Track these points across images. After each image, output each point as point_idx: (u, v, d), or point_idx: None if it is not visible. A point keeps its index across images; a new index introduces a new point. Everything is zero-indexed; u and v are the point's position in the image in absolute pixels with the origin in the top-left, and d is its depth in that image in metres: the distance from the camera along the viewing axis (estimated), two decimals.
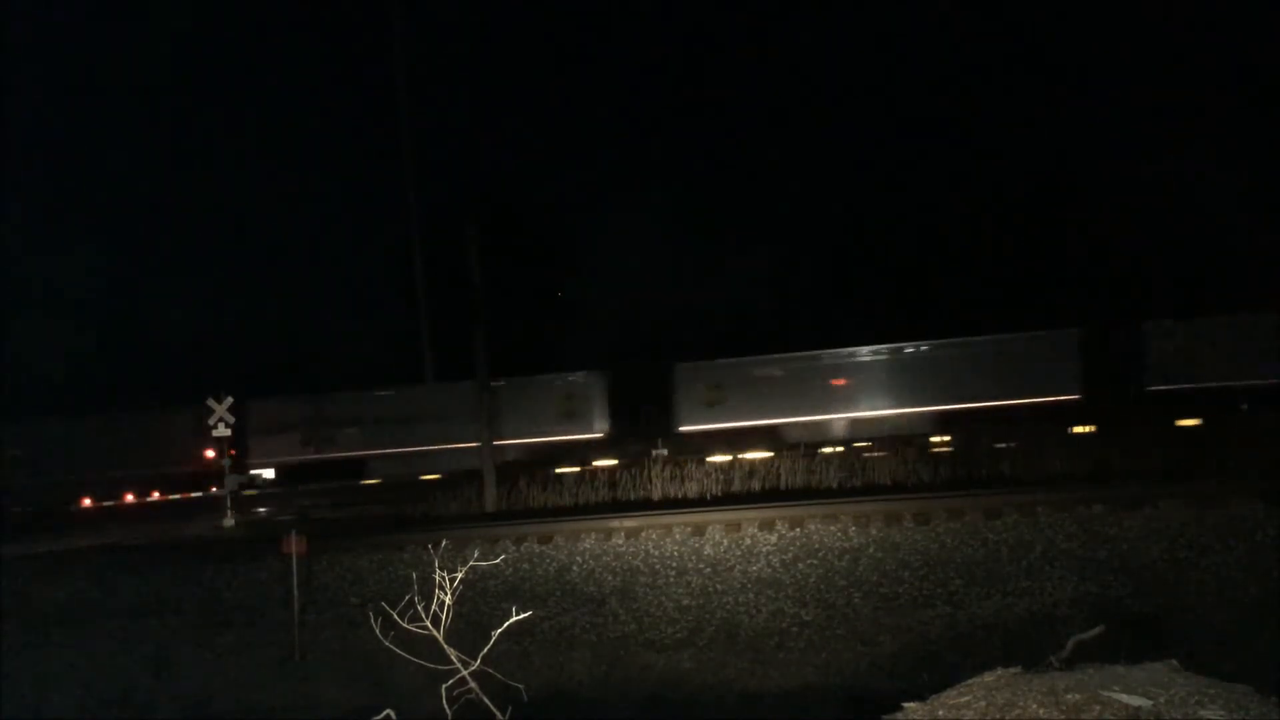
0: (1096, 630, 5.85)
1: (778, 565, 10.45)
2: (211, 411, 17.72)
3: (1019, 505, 11.02)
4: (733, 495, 15.29)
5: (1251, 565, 9.34)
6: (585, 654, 9.51)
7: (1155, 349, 20.25)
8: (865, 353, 21.62)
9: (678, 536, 11.34)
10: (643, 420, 21.92)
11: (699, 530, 11.47)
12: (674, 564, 10.78)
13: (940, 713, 4.46)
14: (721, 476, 16.06)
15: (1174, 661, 4.81)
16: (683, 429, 21.81)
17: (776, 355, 22.06)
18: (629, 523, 12.06)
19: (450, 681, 5.22)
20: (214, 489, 18.71)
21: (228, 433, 17.83)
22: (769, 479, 15.89)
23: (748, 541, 10.97)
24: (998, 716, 4.19)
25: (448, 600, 5.34)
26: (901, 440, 19.19)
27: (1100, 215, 28.45)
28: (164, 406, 23.85)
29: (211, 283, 35.16)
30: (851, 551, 10.50)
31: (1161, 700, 4.12)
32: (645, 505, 14.91)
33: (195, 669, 10.17)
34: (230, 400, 17.82)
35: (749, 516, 11.81)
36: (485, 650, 5.28)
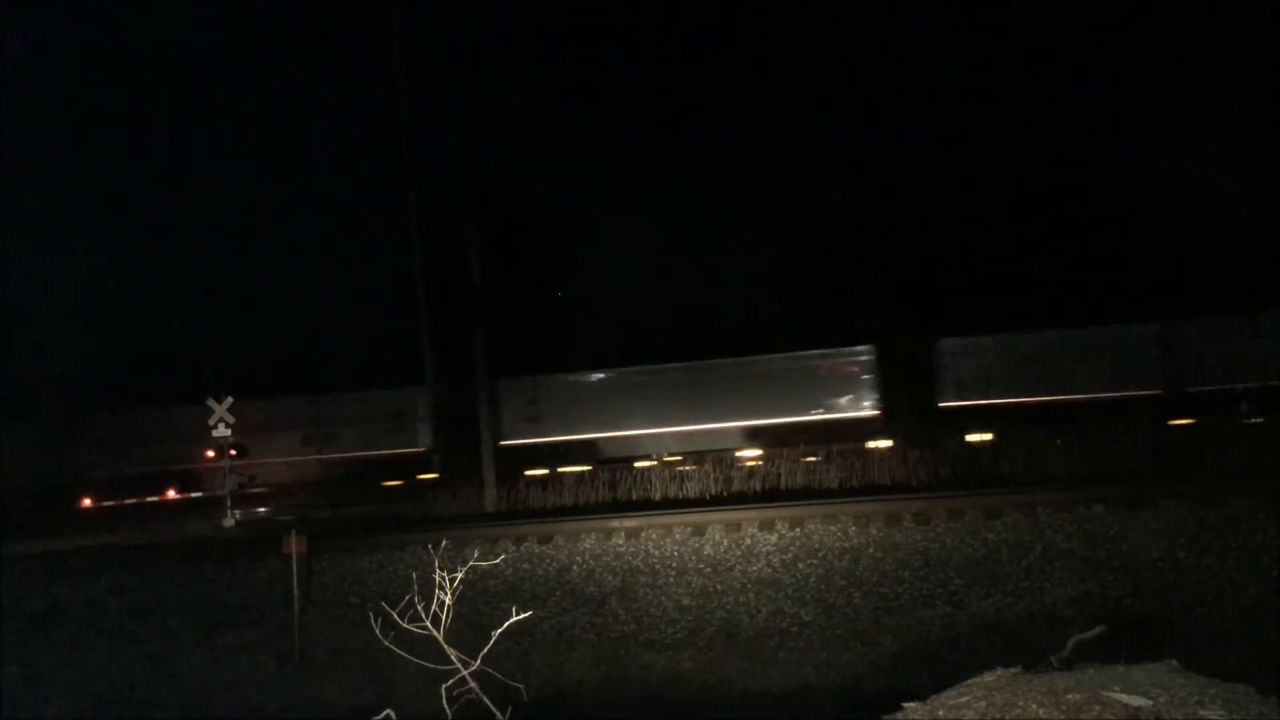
0: (1096, 630, 5.86)
1: (778, 565, 10.45)
2: (211, 412, 17.72)
3: (1019, 505, 11.02)
4: (733, 495, 15.32)
5: (1251, 565, 9.34)
6: (585, 654, 9.52)
7: (948, 366, 20.40)
8: (672, 368, 21.53)
9: (678, 536, 11.34)
10: (465, 434, 21.91)
11: (699, 530, 11.47)
12: (674, 564, 10.78)
13: (940, 713, 4.47)
14: (721, 476, 16.10)
15: (1174, 661, 4.82)
16: (504, 443, 21.70)
17: (587, 372, 22.03)
18: (629, 523, 12.06)
19: (450, 681, 5.22)
20: (217, 490, 18.71)
21: (228, 433, 17.83)
22: (769, 479, 15.94)
23: (748, 541, 10.97)
24: (998, 716, 4.19)
25: (448, 600, 5.34)
26: (711, 454, 19.41)
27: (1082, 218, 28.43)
28: (164, 405, 23.82)
29: (212, 283, 35.10)
30: (851, 551, 10.50)
31: (1161, 700, 4.13)
32: (645, 505, 14.93)
33: (195, 669, 10.18)
34: (230, 400, 17.82)
35: (749, 516, 11.81)
36: (485, 650, 5.29)
